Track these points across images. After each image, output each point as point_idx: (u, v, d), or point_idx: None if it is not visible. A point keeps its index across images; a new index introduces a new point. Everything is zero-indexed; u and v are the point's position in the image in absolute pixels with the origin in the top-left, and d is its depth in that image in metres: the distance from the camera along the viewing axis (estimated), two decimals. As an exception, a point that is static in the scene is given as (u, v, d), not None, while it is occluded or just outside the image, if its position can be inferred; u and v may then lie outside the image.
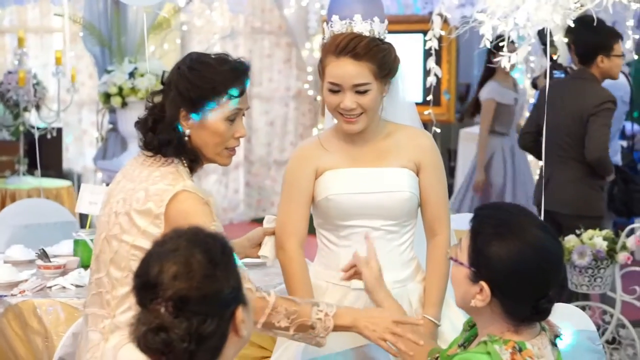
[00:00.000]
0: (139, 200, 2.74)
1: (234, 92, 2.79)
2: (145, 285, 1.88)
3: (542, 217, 5.05)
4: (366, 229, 3.05)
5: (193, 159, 2.83)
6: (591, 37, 5.37)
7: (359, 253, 2.92)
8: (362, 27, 3.00)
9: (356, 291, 3.04)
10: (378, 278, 2.87)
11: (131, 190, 2.77)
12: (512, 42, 4.52)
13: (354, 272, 2.92)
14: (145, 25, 5.07)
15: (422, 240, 3.18)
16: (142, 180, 2.77)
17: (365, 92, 2.97)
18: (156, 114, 2.81)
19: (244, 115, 2.88)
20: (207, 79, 2.76)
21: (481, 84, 7.58)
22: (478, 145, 7.62)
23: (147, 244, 2.67)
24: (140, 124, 2.85)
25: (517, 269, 2.29)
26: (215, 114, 2.79)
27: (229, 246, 1.96)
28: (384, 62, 2.99)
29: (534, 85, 6.65)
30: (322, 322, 2.74)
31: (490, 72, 7.44)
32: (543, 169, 5.20)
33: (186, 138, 2.79)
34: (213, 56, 2.83)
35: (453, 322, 3.10)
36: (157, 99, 2.84)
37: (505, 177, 7.59)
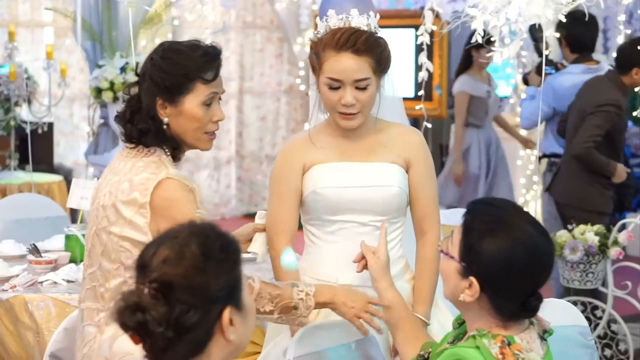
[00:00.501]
0: (124, 192, 2.76)
1: (208, 76, 2.81)
2: (139, 265, 1.90)
3: (536, 210, 5.08)
4: (354, 224, 3.03)
5: (175, 146, 2.86)
6: (633, 50, 5.47)
7: (365, 243, 2.90)
8: (359, 21, 2.98)
9: None
10: (384, 268, 2.87)
11: (116, 182, 2.80)
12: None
13: (365, 262, 2.90)
14: (131, 19, 5.06)
15: (411, 240, 3.16)
16: (126, 172, 2.80)
17: (365, 87, 2.95)
18: (133, 106, 2.85)
19: (220, 99, 2.89)
20: (180, 65, 2.79)
21: (456, 77, 7.68)
22: (454, 137, 7.71)
23: (134, 234, 2.70)
24: (119, 118, 2.88)
25: (507, 266, 2.28)
26: (191, 100, 2.80)
27: (234, 246, 1.94)
28: (382, 57, 2.98)
29: (525, 81, 6.66)
30: (304, 301, 2.77)
31: (466, 66, 7.54)
32: (537, 161, 5.28)
33: (165, 126, 2.81)
34: (185, 43, 2.85)
35: (442, 324, 3.08)
36: (134, 90, 2.87)
37: (480, 169, 7.68)
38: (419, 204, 3.10)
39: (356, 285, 2.98)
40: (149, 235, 2.70)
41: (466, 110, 7.53)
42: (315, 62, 3.00)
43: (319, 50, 2.99)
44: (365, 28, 2.97)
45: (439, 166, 9.24)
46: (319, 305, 2.81)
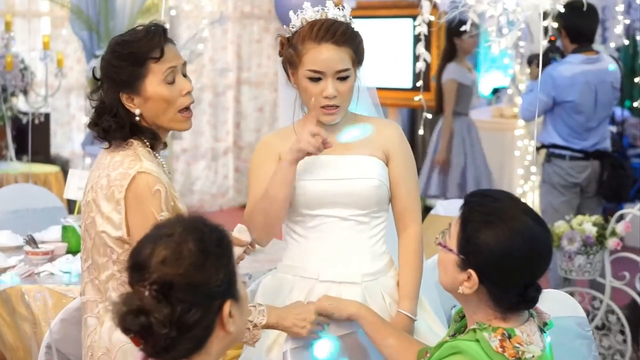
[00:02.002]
0: (102, 187, 2.77)
1: (155, 53, 2.80)
2: (135, 266, 1.88)
3: (534, 200, 5.07)
4: (335, 219, 2.98)
5: (152, 137, 2.85)
6: None
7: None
8: (335, 12, 2.97)
9: (325, 283, 2.97)
10: (327, 297, 2.87)
11: (97, 177, 2.82)
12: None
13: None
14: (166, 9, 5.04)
15: (394, 239, 3.12)
16: (105, 167, 2.81)
17: (346, 78, 2.93)
18: (99, 108, 2.86)
19: (184, 73, 2.88)
20: (127, 54, 2.79)
21: (441, 68, 7.69)
22: (442, 125, 7.74)
23: (110, 230, 2.73)
24: (91, 124, 2.89)
25: (505, 257, 2.28)
26: (151, 82, 2.80)
27: (227, 240, 1.94)
28: (359, 48, 2.97)
29: (530, 62, 6.59)
30: (250, 332, 2.74)
31: (451, 54, 7.56)
32: (535, 152, 5.27)
33: (137, 118, 2.81)
34: (128, 32, 2.87)
35: (430, 327, 3.04)
36: (98, 95, 2.88)
37: (465, 157, 7.73)
38: (400, 196, 3.05)
39: (339, 282, 2.96)
40: (123, 231, 2.71)
41: (455, 98, 7.58)
42: (294, 56, 2.96)
43: (297, 43, 2.95)
44: (342, 19, 2.96)
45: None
46: (264, 326, 2.78)
